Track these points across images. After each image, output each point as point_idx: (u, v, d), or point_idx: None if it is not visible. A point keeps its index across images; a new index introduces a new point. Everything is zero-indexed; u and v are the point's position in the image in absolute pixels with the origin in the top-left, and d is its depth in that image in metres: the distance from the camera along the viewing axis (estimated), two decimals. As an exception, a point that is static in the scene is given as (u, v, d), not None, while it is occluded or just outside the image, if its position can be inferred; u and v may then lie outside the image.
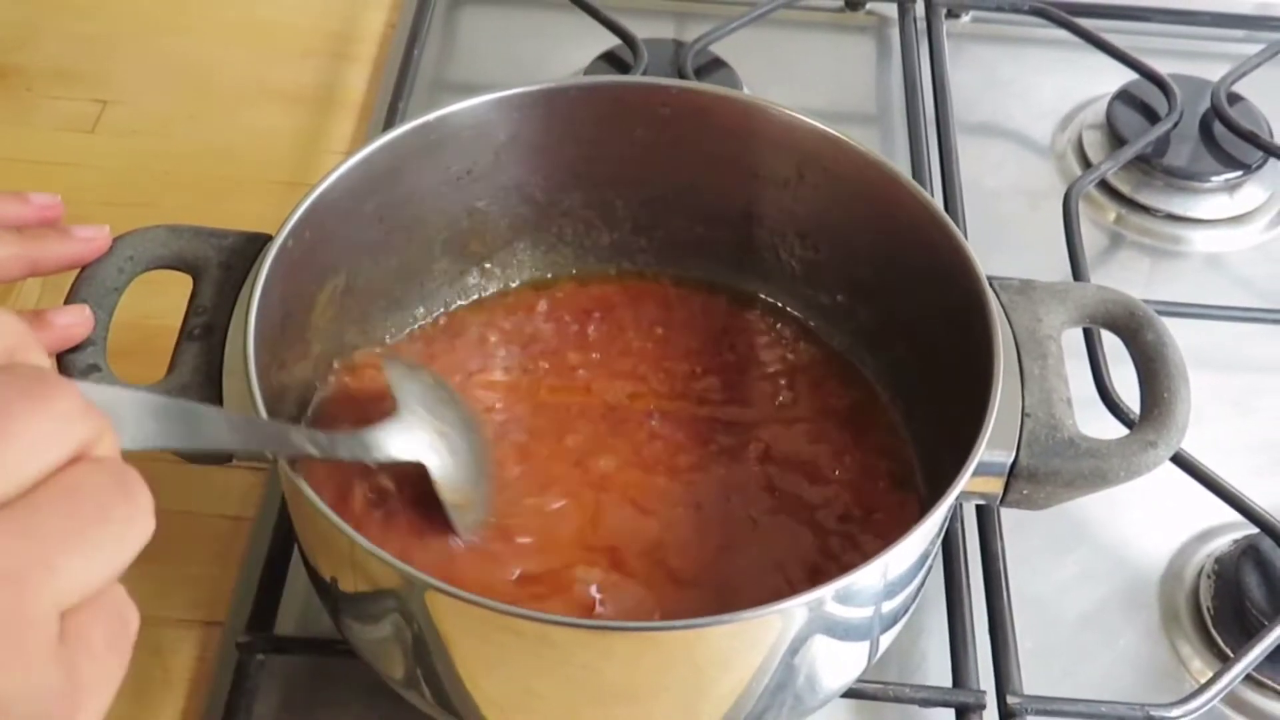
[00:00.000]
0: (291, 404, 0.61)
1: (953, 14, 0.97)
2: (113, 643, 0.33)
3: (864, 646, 0.56)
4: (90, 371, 0.56)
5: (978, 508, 0.68)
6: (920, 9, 0.95)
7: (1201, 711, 0.60)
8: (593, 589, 0.58)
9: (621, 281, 0.71)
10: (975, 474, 0.52)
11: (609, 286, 0.71)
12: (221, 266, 0.59)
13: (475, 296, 0.70)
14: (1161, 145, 0.86)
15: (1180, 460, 0.67)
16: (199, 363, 0.56)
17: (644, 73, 0.84)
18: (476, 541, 0.58)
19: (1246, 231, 0.86)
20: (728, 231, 0.69)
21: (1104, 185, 0.86)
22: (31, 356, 0.34)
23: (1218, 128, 0.87)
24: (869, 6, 0.98)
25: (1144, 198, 0.86)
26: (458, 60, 0.93)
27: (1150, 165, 0.86)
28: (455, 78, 0.91)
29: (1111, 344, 0.67)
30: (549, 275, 0.71)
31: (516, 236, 0.70)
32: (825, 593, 0.48)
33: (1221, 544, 0.69)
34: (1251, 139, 0.85)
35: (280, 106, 0.89)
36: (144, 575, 0.64)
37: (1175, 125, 0.86)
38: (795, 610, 0.49)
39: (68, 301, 0.58)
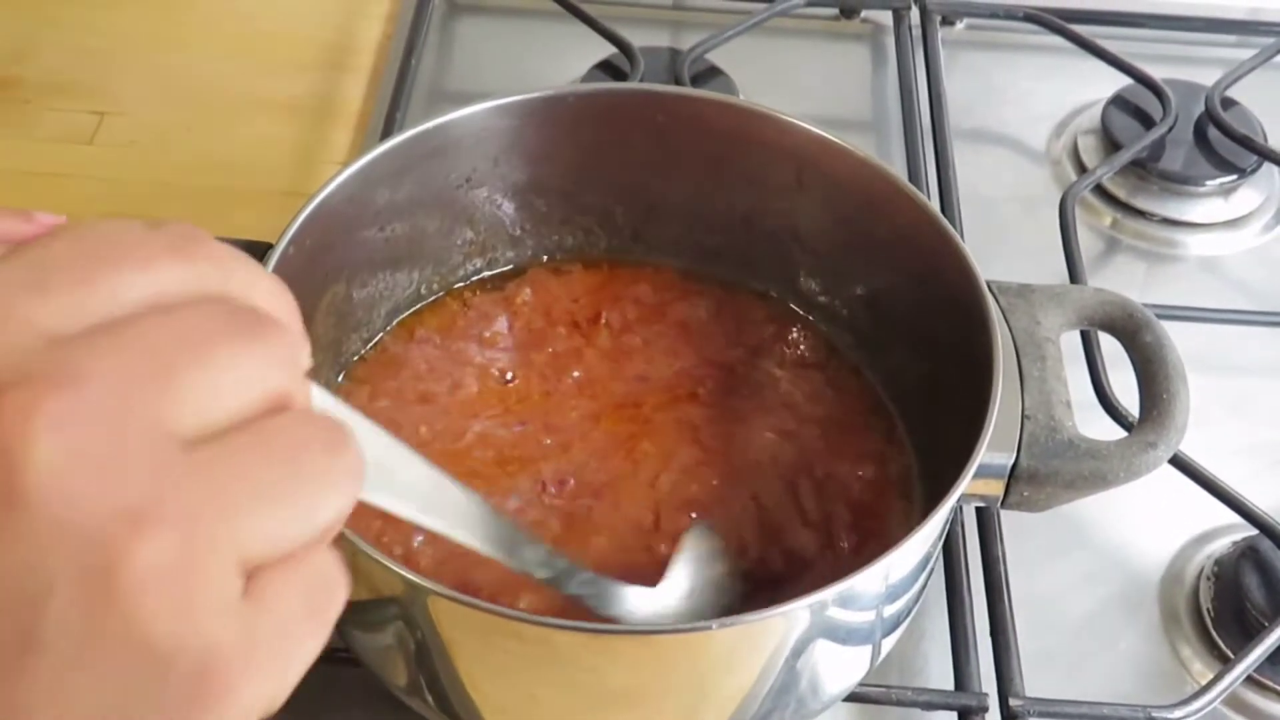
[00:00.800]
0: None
1: (947, 21, 0.97)
2: (310, 610, 0.30)
3: (866, 650, 0.56)
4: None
5: (978, 511, 0.68)
6: (915, 16, 0.96)
7: (1203, 713, 0.60)
8: None
9: (621, 285, 0.71)
10: (976, 476, 0.52)
11: (609, 290, 0.71)
12: (222, 275, 0.59)
13: (475, 303, 0.70)
14: (1156, 150, 0.87)
15: (1179, 462, 0.67)
16: (200, 371, 0.56)
17: (641, 81, 0.85)
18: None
19: (1242, 235, 0.86)
20: (727, 238, 0.69)
21: (1099, 190, 0.86)
22: (257, 298, 0.31)
23: (1212, 132, 0.88)
24: (864, 14, 0.98)
25: (1140, 202, 0.86)
26: (455, 70, 0.93)
27: (1145, 170, 0.86)
28: (452, 87, 0.92)
29: (1109, 347, 0.67)
30: (549, 282, 0.71)
31: (516, 244, 0.70)
32: (827, 596, 0.49)
33: (1221, 546, 0.69)
34: (1246, 143, 0.86)
35: (278, 117, 0.89)
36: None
37: (1170, 130, 0.86)
38: (797, 613, 0.49)
39: (69, 311, 0.58)
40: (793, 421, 0.65)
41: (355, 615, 0.54)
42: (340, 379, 0.66)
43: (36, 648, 0.26)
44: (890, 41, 0.95)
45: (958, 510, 0.66)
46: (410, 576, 0.48)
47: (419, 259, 0.68)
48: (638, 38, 0.88)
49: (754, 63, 0.92)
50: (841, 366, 0.68)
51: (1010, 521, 0.67)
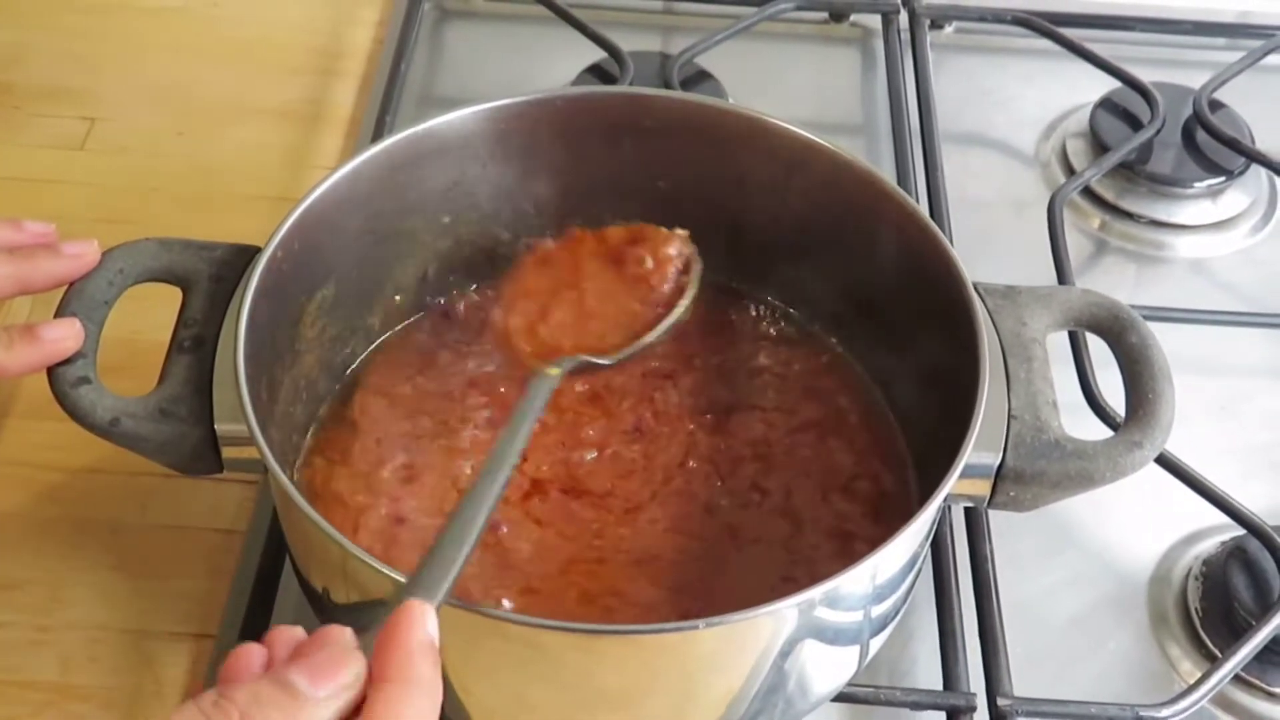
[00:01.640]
0: (280, 415, 0.61)
1: (936, 25, 0.97)
2: None
3: (854, 650, 0.57)
4: (80, 384, 0.56)
5: (966, 512, 0.68)
6: (904, 20, 0.96)
7: (1190, 711, 0.61)
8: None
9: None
10: (963, 476, 0.52)
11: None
12: (211, 279, 0.60)
13: (463, 306, 0.70)
14: (1144, 152, 0.87)
15: (1167, 463, 0.67)
16: (189, 375, 0.57)
17: (630, 85, 0.85)
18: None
19: (1229, 237, 0.86)
20: (716, 240, 0.69)
21: (1088, 192, 0.87)
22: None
23: (1200, 134, 0.88)
24: (853, 18, 0.99)
25: (1128, 204, 0.86)
26: (444, 75, 0.93)
27: (1133, 172, 0.86)
28: (442, 92, 0.92)
29: (1096, 349, 0.67)
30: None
31: (504, 246, 0.70)
32: (815, 594, 0.49)
33: (1209, 546, 0.69)
34: (1233, 145, 0.86)
35: (268, 123, 0.89)
36: (137, 590, 0.65)
37: (1158, 132, 0.87)
38: (785, 612, 0.49)
39: (58, 315, 0.58)
40: (780, 422, 0.66)
41: (345, 618, 0.54)
42: (335, 385, 0.66)
43: None
44: (879, 45, 0.96)
45: (946, 511, 0.66)
46: (399, 578, 0.48)
47: (408, 262, 0.68)
48: (627, 42, 0.89)
49: (743, 67, 0.92)
50: (828, 367, 0.68)
51: (998, 522, 0.67)
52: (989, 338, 0.57)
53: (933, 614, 0.65)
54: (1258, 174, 0.88)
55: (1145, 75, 0.89)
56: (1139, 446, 0.56)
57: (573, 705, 0.52)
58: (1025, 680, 0.62)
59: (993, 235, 0.85)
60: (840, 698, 0.60)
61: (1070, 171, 0.88)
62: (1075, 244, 0.82)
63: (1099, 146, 0.88)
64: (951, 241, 0.60)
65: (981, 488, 0.56)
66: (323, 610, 0.56)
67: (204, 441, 0.56)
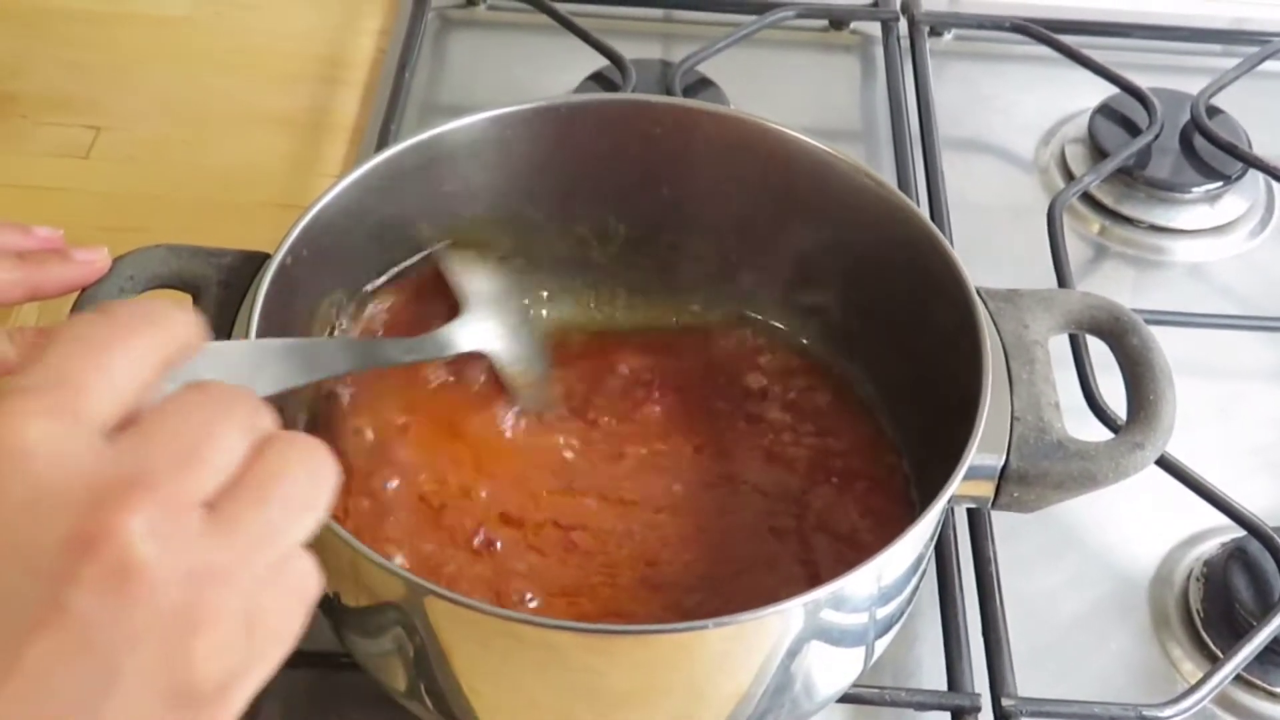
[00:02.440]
0: (287, 421, 0.62)
1: (935, 32, 0.98)
2: (297, 606, 0.38)
3: (860, 651, 0.57)
4: (93, 390, 0.56)
5: (969, 514, 0.68)
6: (903, 27, 0.97)
7: (1192, 712, 0.61)
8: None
9: (615, 297, 0.71)
10: (966, 477, 0.53)
11: (604, 300, 0.71)
12: (221, 285, 0.60)
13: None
14: (1143, 157, 0.87)
15: (1168, 465, 0.67)
16: (200, 380, 0.57)
17: (633, 93, 0.85)
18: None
19: (1228, 241, 0.87)
20: (720, 246, 0.70)
21: (1087, 197, 0.87)
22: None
23: (1198, 140, 0.89)
24: (853, 25, 0.99)
25: (1127, 209, 0.87)
26: (448, 83, 0.94)
27: (1132, 177, 0.87)
28: (446, 100, 0.92)
29: (1097, 352, 0.68)
30: (543, 292, 0.71)
31: (511, 254, 0.70)
32: (821, 594, 0.49)
33: (1210, 547, 0.69)
34: (1231, 150, 0.87)
35: (273, 130, 0.90)
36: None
37: (1156, 138, 0.87)
38: (792, 612, 0.49)
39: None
40: (780, 429, 0.66)
41: (355, 620, 0.55)
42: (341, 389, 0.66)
43: (113, 689, 0.34)
44: (879, 52, 0.96)
45: (949, 512, 0.67)
46: (409, 578, 0.48)
47: (413, 269, 0.68)
48: (629, 50, 0.89)
49: (744, 74, 0.92)
50: (832, 371, 0.68)
51: (1001, 523, 0.68)
52: (991, 341, 0.57)
53: (937, 615, 0.65)
54: (1255, 179, 0.89)
55: (1143, 81, 0.90)
56: (1141, 448, 0.56)
57: (582, 706, 0.52)
58: (1029, 680, 0.62)
59: (992, 240, 0.85)
60: (845, 698, 0.60)
61: (1069, 177, 0.89)
62: (1075, 249, 0.83)
63: (1098, 152, 0.89)
64: (952, 246, 0.60)
65: (986, 489, 0.57)
66: (333, 615, 0.56)
67: (214, 446, 0.56)
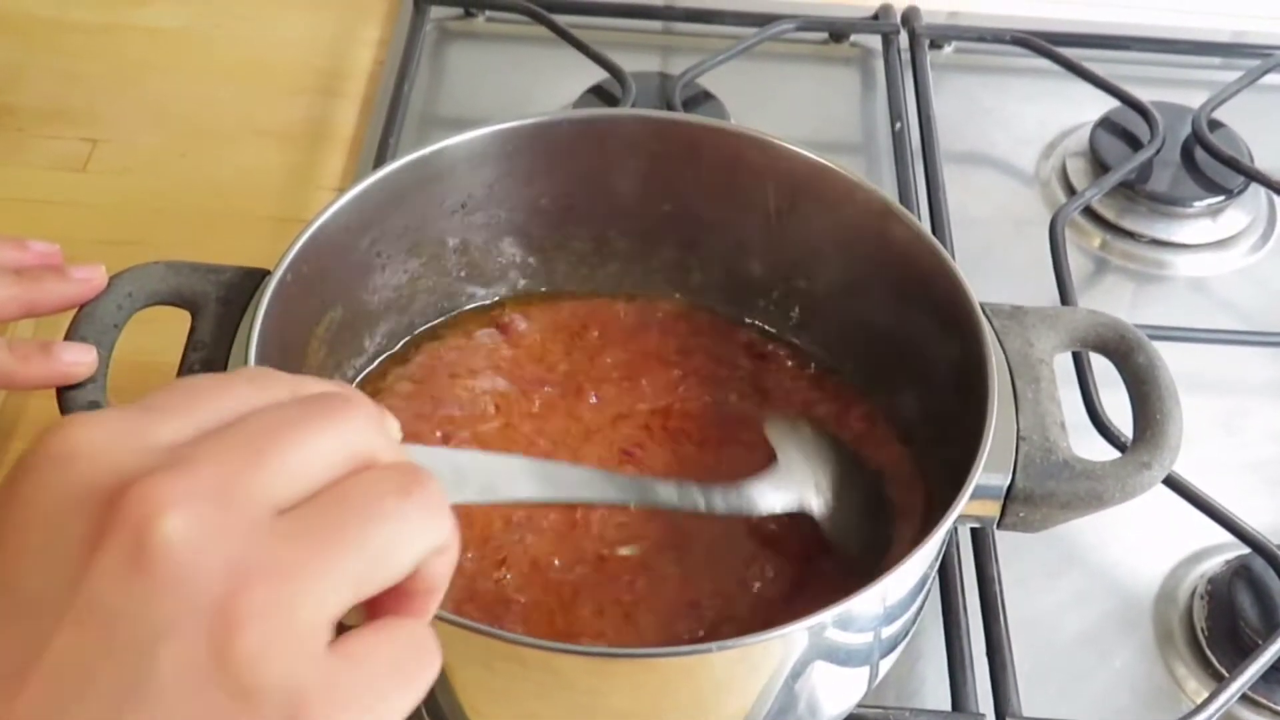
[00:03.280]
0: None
1: (936, 45, 0.98)
2: (396, 669, 0.34)
3: (864, 671, 0.57)
4: (91, 408, 0.56)
5: (973, 532, 0.68)
6: (904, 40, 0.97)
7: (1198, 731, 0.61)
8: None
9: (617, 309, 0.71)
10: (972, 497, 0.52)
11: (605, 315, 0.71)
12: (220, 302, 0.60)
13: (471, 328, 0.70)
14: (1144, 171, 0.87)
15: (1171, 482, 0.67)
16: (198, 398, 0.57)
17: (632, 106, 0.85)
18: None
19: (1229, 255, 0.87)
20: (721, 261, 0.70)
21: (1088, 211, 0.87)
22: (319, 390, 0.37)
23: (1199, 153, 0.88)
24: (853, 38, 0.99)
25: (1128, 223, 0.87)
26: (447, 96, 0.93)
27: (1134, 191, 0.87)
28: (445, 113, 0.92)
29: (1101, 369, 0.68)
30: (544, 305, 0.71)
31: (511, 268, 0.70)
32: (826, 617, 0.49)
33: (1214, 565, 0.69)
34: (1232, 164, 0.87)
35: (271, 143, 0.89)
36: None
37: (1157, 152, 0.87)
38: (796, 635, 0.49)
39: (68, 339, 0.58)
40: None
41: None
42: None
43: (145, 687, 0.31)
44: (879, 65, 0.96)
45: (954, 531, 0.66)
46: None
47: (414, 285, 0.68)
48: (629, 63, 0.89)
49: (744, 87, 0.92)
50: (833, 389, 0.68)
51: (1005, 542, 0.67)
52: (997, 359, 0.57)
53: (941, 634, 0.65)
54: (1257, 193, 0.89)
55: (1144, 95, 0.90)
56: (1148, 467, 0.56)
57: (585, 728, 0.52)
58: (1033, 700, 0.62)
59: (993, 254, 0.85)
60: (850, 719, 0.60)
61: (1070, 190, 0.89)
62: (1076, 263, 0.83)
63: (1099, 166, 0.88)
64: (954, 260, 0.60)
65: (991, 509, 0.57)
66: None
67: (214, 465, 0.56)
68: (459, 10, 0.98)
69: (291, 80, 0.94)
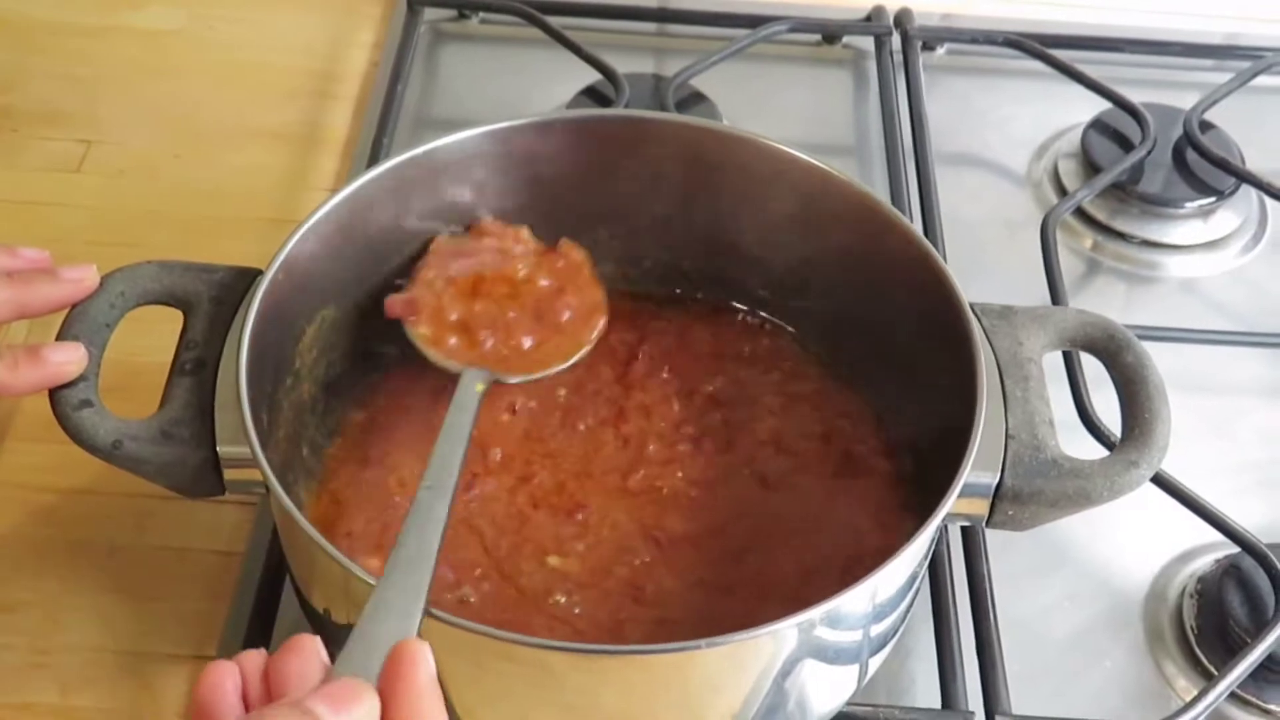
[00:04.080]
0: (280, 437, 0.62)
1: (929, 46, 0.98)
2: None
3: (853, 669, 0.57)
4: (83, 406, 0.56)
5: (963, 531, 0.68)
6: (896, 42, 0.97)
7: (1187, 729, 0.61)
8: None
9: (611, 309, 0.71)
10: (961, 495, 0.53)
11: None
12: (212, 301, 0.60)
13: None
14: (1136, 173, 0.88)
15: (1161, 481, 0.67)
16: (190, 397, 0.57)
17: (626, 107, 0.85)
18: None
19: (1220, 256, 0.87)
20: (713, 261, 0.70)
21: (1080, 213, 0.87)
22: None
23: (1190, 155, 0.89)
24: (846, 40, 0.99)
25: (1120, 224, 0.87)
26: (440, 97, 0.94)
27: (1125, 192, 0.87)
28: (438, 114, 0.92)
29: (1091, 368, 0.68)
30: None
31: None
32: (814, 615, 0.49)
33: (1203, 564, 0.69)
34: (1224, 165, 0.87)
35: (265, 145, 0.90)
36: (135, 612, 0.66)
37: (1149, 153, 0.87)
38: (785, 632, 0.49)
39: (60, 338, 0.58)
40: (773, 444, 0.66)
41: (346, 639, 0.55)
42: (336, 405, 0.66)
43: None
44: (872, 67, 0.96)
45: (943, 529, 0.67)
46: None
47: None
48: (622, 64, 0.89)
49: (737, 88, 0.92)
50: (824, 387, 0.68)
51: (995, 540, 0.67)
52: (986, 357, 0.57)
53: (930, 633, 0.65)
54: (1248, 194, 0.89)
55: (1136, 96, 0.90)
56: (1136, 466, 0.56)
57: (575, 725, 0.52)
58: (1023, 698, 0.62)
59: (985, 255, 0.85)
60: (839, 717, 0.60)
61: (1062, 192, 0.89)
62: (1068, 264, 0.83)
63: (1091, 167, 0.89)
64: (945, 261, 0.61)
65: (980, 507, 0.57)
66: (324, 631, 0.56)
67: (206, 464, 0.56)
68: (453, 12, 0.98)
69: (286, 82, 0.94)
